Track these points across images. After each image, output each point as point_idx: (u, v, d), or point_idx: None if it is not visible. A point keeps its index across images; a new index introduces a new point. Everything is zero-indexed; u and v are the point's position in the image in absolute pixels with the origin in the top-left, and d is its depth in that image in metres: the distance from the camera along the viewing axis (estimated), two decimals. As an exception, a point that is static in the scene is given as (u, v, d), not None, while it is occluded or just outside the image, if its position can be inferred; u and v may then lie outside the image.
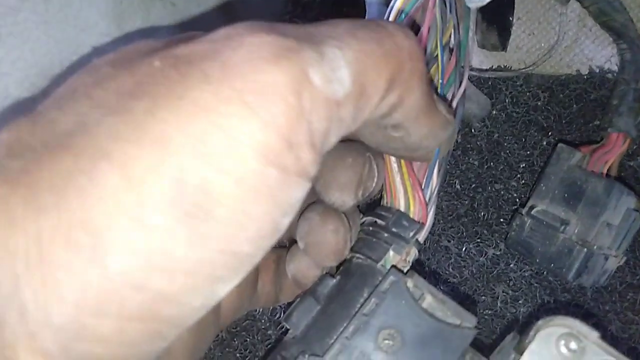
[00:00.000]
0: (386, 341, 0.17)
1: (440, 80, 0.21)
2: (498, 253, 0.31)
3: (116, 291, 0.11)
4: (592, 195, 0.24)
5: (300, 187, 0.12)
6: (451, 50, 0.24)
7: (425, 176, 0.21)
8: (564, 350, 0.18)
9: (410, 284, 0.19)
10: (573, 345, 0.18)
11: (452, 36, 0.23)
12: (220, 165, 0.11)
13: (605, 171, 0.25)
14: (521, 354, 0.18)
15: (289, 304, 0.21)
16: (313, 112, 0.12)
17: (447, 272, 0.31)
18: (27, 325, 0.10)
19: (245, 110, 0.11)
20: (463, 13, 0.24)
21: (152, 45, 0.13)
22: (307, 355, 0.18)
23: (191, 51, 0.12)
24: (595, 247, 0.24)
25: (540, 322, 0.18)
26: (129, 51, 0.13)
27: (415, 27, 0.22)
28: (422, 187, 0.21)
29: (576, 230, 0.24)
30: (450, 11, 0.23)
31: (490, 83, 0.33)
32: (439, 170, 0.22)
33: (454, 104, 0.22)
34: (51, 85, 0.15)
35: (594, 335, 0.18)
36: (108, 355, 0.11)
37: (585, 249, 0.23)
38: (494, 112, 0.32)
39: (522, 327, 0.19)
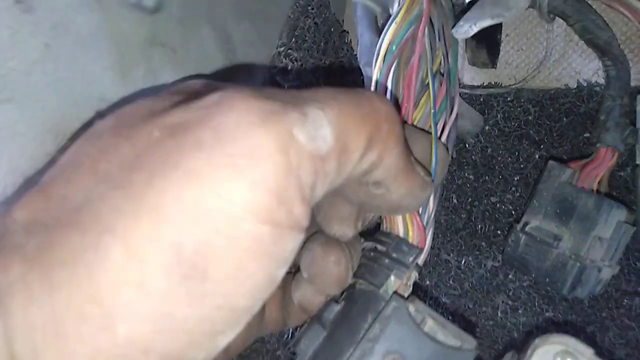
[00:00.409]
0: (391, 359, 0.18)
1: (432, 110, 0.22)
2: (496, 265, 0.32)
3: (125, 356, 0.12)
4: (583, 210, 0.25)
5: (294, 239, 0.13)
6: (442, 76, 0.25)
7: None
8: None
9: (412, 308, 0.20)
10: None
11: (442, 63, 0.24)
12: (214, 228, 0.12)
13: (595, 186, 0.26)
14: None
15: (297, 328, 0.22)
16: (300, 167, 0.12)
17: (447, 285, 0.32)
18: None
19: (236, 174, 0.12)
20: (451, 41, 0.24)
21: (151, 107, 0.14)
22: None
23: (186, 118, 0.13)
24: (588, 260, 0.24)
25: (537, 341, 0.19)
26: (129, 114, 0.14)
27: (406, 57, 0.23)
28: (420, 212, 0.22)
29: (569, 245, 0.25)
30: (439, 39, 0.24)
31: (482, 99, 0.33)
32: (434, 195, 0.23)
33: (447, 130, 0.23)
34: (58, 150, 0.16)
35: (590, 352, 0.19)
36: None
37: (579, 263, 0.24)
38: (487, 127, 0.33)
39: (521, 343, 0.20)
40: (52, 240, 0.12)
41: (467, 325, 0.28)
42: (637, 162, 0.26)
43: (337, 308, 0.21)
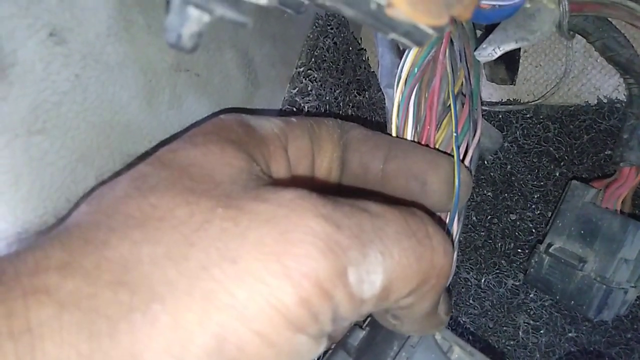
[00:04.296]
0: None
1: (455, 133, 0.22)
2: (517, 283, 0.31)
3: None
4: (608, 232, 0.25)
5: (318, 348, 0.14)
6: (464, 97, 0.25)
7: (447, 225, 0.22)
8: None
9: (438, 336, 0.19)
10: None
11: (464, 85, 0.24)
12: (258, 330, 0.12)
13: (619, 206, 0.26)
14: None
15: (323, 355, 0.22)
16: (340, 303, 0.13)
17: (467, 304, 0.32)
18: None
19: (288, 287, 0.12)
20: (473, 61, 0.24)
21: (216, 168, 0.14)
22: None
23: (254, 209, 0.13)
24: (614, 283, 0.24)
25: None
26: (190, 171, 0.14)
27: (427, 79, 0.23)
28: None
29: (594, 268, 0.24)
30: (461, 60, 0.24)
31: (500, 116, 0.33)
32: (459, 219, 0.22)
33: (470, 152, 0.23)
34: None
35: None
36: None
37: (605, 286, 0.24)
38: (506, 144, 0.33)
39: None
40: (93, 291, 0.12)
41: (487, 347, 0.28)
42: None
43: (362, 334, 0.21)
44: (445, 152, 0.22)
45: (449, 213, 0.22)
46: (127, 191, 0.14)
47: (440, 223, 0.22)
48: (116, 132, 0.18)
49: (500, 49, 0.23)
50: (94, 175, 0.17)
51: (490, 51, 0.23)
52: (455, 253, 0.22)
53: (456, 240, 0.22)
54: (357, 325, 0.22)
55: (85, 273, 0.12)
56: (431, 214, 0.21)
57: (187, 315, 0.11)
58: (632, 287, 0.25)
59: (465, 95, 0.24)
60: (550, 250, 0.26)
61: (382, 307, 0.15)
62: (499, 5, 0.18)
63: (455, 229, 0.22)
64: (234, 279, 0.12)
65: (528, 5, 0.21)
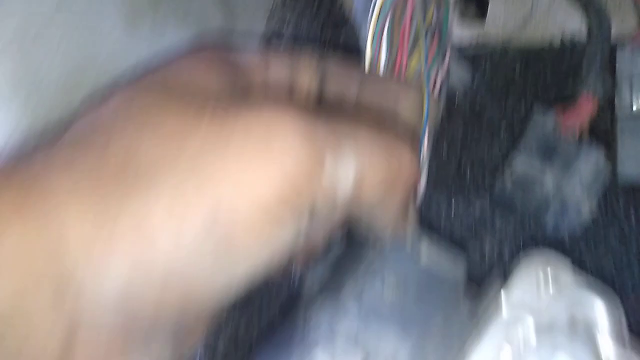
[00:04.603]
0: (389, 285, 0.21)
1: (424, 63, 0.24)
2: (485, 205, 0.34)
3: (152, 275, 0.14)
4: (564, 154, 0.27)
5: (299, 225, 0.16)
6: (434, 31, 0.26)
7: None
8: (541, 278, 0.22)
9: (409, 238, 0.22)
10: (550, 274, 0.21)
11: (435, 19, 0.26)
12: (249, 201, 0.14)
13: (577, 131, 0.28)
14: (506, 287, 0.21)
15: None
16: (319, 183, 0.15)
17: (439, 224, 0.35)
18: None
19: (276, 169, 0.15)
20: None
21: (209, 80, 0.16)
22: (325, 301, 0.21)
23: (241, 112, 0.16)
24: (568, 197, 0.27)
25: (522, 258, 0.22)
26: (188, 84, 0.17)
27: (399, 14, 0.25)
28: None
29: (552, 185, 0.27)
30: (431, -3, 0.26)
31: (471, 55, 0.35)
32: (428, 140, 0.25)
33: (439, 82, 0.25)
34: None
35: (567, 263, 0.22)
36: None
37: (561, 200, 0.27)
38: (476, 82, 0.35)
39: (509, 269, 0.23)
40: (100, 174, 0.14)
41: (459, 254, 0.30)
42: (616, 113, 0.29)
43: (340, 246, 0.23)
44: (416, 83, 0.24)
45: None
46: (125, 101, 0.16)
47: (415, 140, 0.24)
48: (102, 58, 0.19)
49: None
50: (83, 95, 0.19)
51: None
52: (425, 172, 0.25)
53: (426, 160, 0.25)
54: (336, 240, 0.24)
55: (91, 164, 0.14)
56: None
57: (189, 189, 0.14)
58: (587, 203, 0.28)
59: (436, 30, 0.26)
60: (513, 173, 0.28)
61: (357, 199, 0.17)
62: None
63: (425, 147, 0.24)
64: (227, 159, 0.14)
65: None
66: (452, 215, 0.34)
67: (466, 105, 0.35)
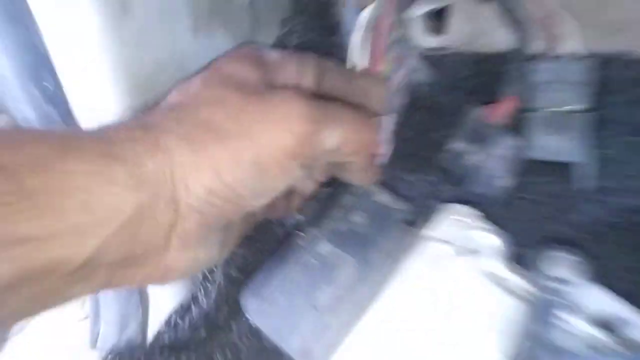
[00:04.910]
0: (355, 218, 0.31)
1: (390, 67, 0.34)
2: (436, 179, 0.44)
3: (221, 192, 0.24)
4: (486, 137, 0.38)
5: (299, 169, 0.26)
6: (401, 41, 0.36)
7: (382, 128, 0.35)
8: (457, 221, 0.32)
9: (371, 189, 0.32)
10: (459, 218, 0.32)
11: (400, 33, 0.36)
12: (275, 149, 0.25)
13: (500, 122, 0.39)
14: (430, 224, 0.32)
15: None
16: (316, 146, 0.26)
17: (402, 193, 0.45)
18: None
19: (289, 136, 0.25)
20: (408, 18, 0.36)
21: (250, 76, 0.26)
22: (312, 229, 0.32)
23: (269, 97, 0.26)
24: (489, 170, 0.38)
25: (442, 207, 0.32)
26: (242, 78, 0.26)
27: (378, 27, 0.35)
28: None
29: (478, 161, 0.38)
30: (400, 16, 0.36)
31: (433, 59, 0.45)
32: (392, 118, 0.35)
33: (402, 79, 0.35)
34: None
35: (476, 212, 0.32)
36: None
37: (479, 171, 0.37)
38: (435, 80, 0.45)
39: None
40: (196, 125, 0.24)
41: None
42: (528, 107, 0.39)
43: (326, 190, 0.34)
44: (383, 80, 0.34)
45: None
46: (200, 86, 0.26)
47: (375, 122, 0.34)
48: (176, 56, 0.29)
49: (423, 8, 0.34)
50: (166, 82, 0.29)
51: (416, 9, 0.35)
52: (388, 145, 0.35)
53: (388, 135, 0.35)
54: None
55: (187, 120, 0.24)
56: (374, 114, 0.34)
57: (242, 144, 0.24)
58: (506, 176, 0.39)
59: (401, 42, 0.36)
60: (452, 151, 0.39)
61: (337, 159, 0.28)
62: None
63: (388, 125, 0.34)
64: (264, 125, 0.24)
65: None
66: (410, 187, 0.45)
67: (427, 98, 0.45)
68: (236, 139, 0.24)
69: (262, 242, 0.42)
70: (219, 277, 0.40)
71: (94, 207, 0.20)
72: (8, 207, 0.18)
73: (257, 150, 0.24)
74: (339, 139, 0.27)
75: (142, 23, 0.27)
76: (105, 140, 0.22)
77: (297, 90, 0.28)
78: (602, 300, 0.31)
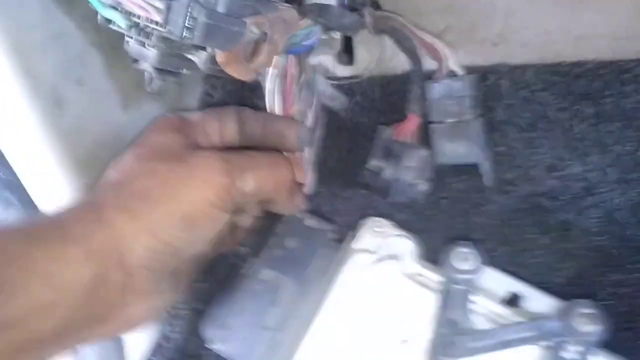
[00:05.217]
0: (287, 243, 0.36)
1: (303, 106, 0.39)
2: (365, 192, 0.50)
3: (157, 249, 0.29)
4: (398, 152, 0.43)
5: (225, 217, 0.31)
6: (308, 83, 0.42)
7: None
8: (376, 232, 0.38)
9: (298, 214, 0.38)
10: (378, 229, 0.38)
11: (305, 77, 0.41)
12: (200, 207, 0.29)
13: (408, 138, 0.45)
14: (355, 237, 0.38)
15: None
16: (235, 194, 0.31)
17: (337, 208, 0.50)
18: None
19: (210, 190, 0.30)
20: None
21: (170, 144, 0.31)
22: (252, 258, 0.37)
23: (190, 159, 0.31)
24: (402, 180, 0.43)
25: (362, 221, 0.38)
26: (161, 147, 0.31)
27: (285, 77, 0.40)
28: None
29: (391, 173, 0.43)
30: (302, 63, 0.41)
31: (347, 86, 0.51)
32: (312, 151, 0.40)
33: (312, 116, 0.41)
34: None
35: (388, 223, 0.38)
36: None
37: (398, 183, 0.43)
38: (352, 105, 0.51)
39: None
40: (131, 196, 0.29)
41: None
42: (430, 120, 0.45)
43: (261, 222, 0.39)
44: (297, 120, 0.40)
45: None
46: (132, 162, 0.31)
47: (297, 158, 0.40)
48: (112, 130, 0.34)
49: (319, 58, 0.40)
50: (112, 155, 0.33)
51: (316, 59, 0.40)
52: (311, 174, 0.41)
53: (309, 166, 0.40)
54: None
55: (123, 191, 0.29)
56: (292, 153, 0.39)
57: (170, 206, 0.29)
58: (421, 183, 0.45)
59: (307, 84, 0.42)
60: (369, 167, 0.45)
61: (260, 198, 0.33)
62: (303, 45, 0.35)
63: (307, 158, 0.40)
64: (187, 189, 0.29)
65: (324, 37, 0.38)
66: (344, 201, 0.50)
67: (345, 120, 0.51)
68: (165, 202, 0.28)
69: (219, 273, 0.47)
70: (186, 312, 0.44)
71: (55, 285, 0.25)
72: None
73: (184, 208, 0.29)
74: (256, 183, 0.32)
75: (76, 112, 0.31)
76: (58, 224, 0.27)
77: (213, 149, 0.33)
78: (503, 281, 0.37)
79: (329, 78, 0.51)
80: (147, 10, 0.24)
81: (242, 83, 0.43)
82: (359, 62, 0.52)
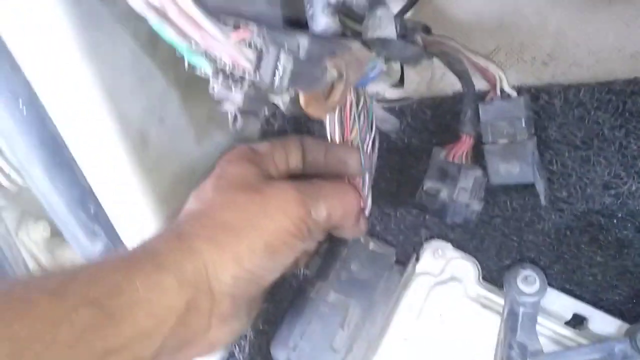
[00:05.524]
0: (353, 267, 0.38)
1: (359, 134, 0.41)
2: (417, 212, 0.51)
3: (242, 276, 0.31)
4: (453, 174, 0.44)
5: (302, 244, 0.33)
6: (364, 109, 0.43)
7: (362, 181, 0.41)
8: (438, 254, 0.39)
9: (362, 239, 0.39)
10: (440, 252, 0.39)
11: (365, 107, 0.43)
12: (280, 237, 0.31)
13: (462, 159, 0.46)
14: (418, 261, 0.39)
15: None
16: (310, 223, 0.32)
17: (389, 228, 0.52)
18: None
19: (289, 221, 0.32)
20: (366, 94, 0.43)
21: (247, 175, 0.33)
22: (319, 282, 0.38)
23: (267, 190, 0.33)
24: (457, 201, 0.44)
25: (425, 245, 0.39)
26: (241, 179, 0.33)
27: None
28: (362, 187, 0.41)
29: (447, 195, 0.44)
30: (361, 91, 0.43)
31: (397, 108, 0.52)
32: (370, 177, 0.42)
33: (370, 143, 0.42)
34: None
35: (450, 245, 0.39)
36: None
37: (453, 203, 0.44)
38: (403, 126, 0.52)
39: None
40: (214, 231, 0.30)
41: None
42: (483, 141, 0.46)
43: (325, 245, 0.40)
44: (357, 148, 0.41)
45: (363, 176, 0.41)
46: (212, 193, 0.33)
47: (357, 182, 0.41)
48: (188, 164, 0.36)
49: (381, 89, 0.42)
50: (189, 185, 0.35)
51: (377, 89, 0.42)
52: (370, 197, 0.42)
53: (369, 189, 0.42)
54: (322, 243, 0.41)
55: (208, 222, 0.31)
56: (353, 178, 0.40)
57: (254, 237, 0.30)
58: (473, 203, 0.46)
59: (364, 111, 0.43)
60: (424, 188, 0.46)
61: (330, 225, 0.35)
62: (369, 77, 0.37)
63: (367, 183, 0.41)
64: (266, 217, 0.31)
65: (384, 68, 0.40)
66: (399, 221, 0.51)
67: (398, 141, 0.52)
68: (248, 232, 0.30)
69: (281, 295, 0.48)
70: (249, 332, 0.46)
71: (155, 312, 0.27)
72: (100, 329, 0.24)
73: (266, 237, 0.31)
74: (327, 211, 0.33)
75: (158, 148, 0.33)
76: (152, 254, 0.29)
77: (284, 179, 0.35)
78: (565, 302, 0.37)
79: (379, 100, 0.53)
80: (236, 59, 0.26)
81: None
82: (408, 84, 0.53)
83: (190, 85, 0.35)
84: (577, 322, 0.39)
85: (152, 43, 0.31)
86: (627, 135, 0.45)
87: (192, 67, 0.29)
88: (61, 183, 0.31)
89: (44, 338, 0.22)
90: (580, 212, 0.47)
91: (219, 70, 0.28)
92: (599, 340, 0.35)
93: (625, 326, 0.38)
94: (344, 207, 0.35)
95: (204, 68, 0.28)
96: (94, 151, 0.31)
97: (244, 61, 0.26)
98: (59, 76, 0.27)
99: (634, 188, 0.45)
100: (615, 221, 0.46)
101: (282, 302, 0.47)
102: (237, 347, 0.44)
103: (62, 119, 0.29)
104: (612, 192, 0.45)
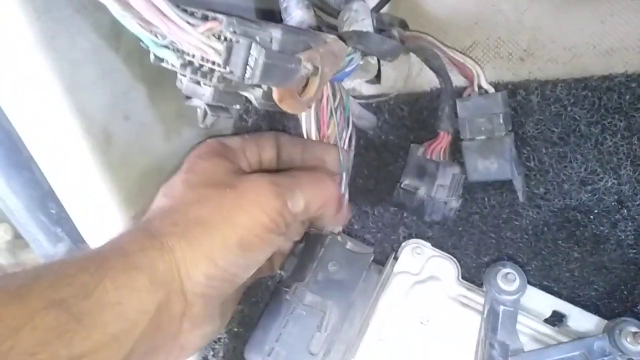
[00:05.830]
0: (330, 267, 0.37)
1: (337, 131, 0.40)
2: (395, 209, 0.50)
3: (214, 275, 0.29)
4: (430, 171, 0.44)
5: (278, 239, 0.31)
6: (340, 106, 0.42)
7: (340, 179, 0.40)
8: (416, 255, 0.38)
9: (339, 238, 0.38)
10: (419, 251, 0.38)
11: (341, 102, 0.42)
12: (255, 230, 0.30)
13: (440, 156, 0.45)
14: (396, 259, 0.38)
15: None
16: (286, 215, 0.31)
17: (367, 226, 0.51)
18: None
19: (264, 214, 0.30)
20: (342, 89, 0.42)
21: (218, 171, 0.31)
22: (295, 283, 0.37)
23: (239, 184, 0.31)
24: (435, 199, 0.44)
25: (403, 243, 0.38)
26: (212, 173, 0.31)
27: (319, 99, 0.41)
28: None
29: (425, 192, 0.44)
30: (337, 87, 0.42)
31: (374, 105, 0.52)
32: (347, 175, 0.41)
33: (347, 139, 0.41)
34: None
35: (428, 244, 0.38)
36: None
37: (431, 201, 0.44)
38: (380, 123, 0.51)
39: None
40: (188, 223, 0.29)
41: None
42: (461, 138, 0.46)
43: (301, 245, 0.39)
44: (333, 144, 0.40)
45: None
46: (181, 188, 0.31)
47: (335, 179, 0.40)
48: (155, 161, 0.34)
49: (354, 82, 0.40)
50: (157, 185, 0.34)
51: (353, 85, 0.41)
52: (346, 195, 0.41)
53: (346, 188, 0.41)
54: (299, 242, 0.40)
55: (177, 218, 0.29)
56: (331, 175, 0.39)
57: (226, 232, 0.29)
58: (452, 201, 0.45)
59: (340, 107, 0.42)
60: (402, 185, 0.45)
61: (308, 217, 0.33)
62: (345, 72, 0.36)
63: (344, 181, 0.40)
64: (240, 212, 0.29)
65: (361, 62, 0.39)
66: (377, 219, 0.51)
67: (375, 138, 0.51)
68: (221, 228, 0.29)
69: (256, 296, 0.47)
70: (223, 335, 0.45)
71: (125, 314, 0.25)
72: (66, 334, 0.22)
73: (240, 233, 0.29)
74: (304, 201, 0.32)
75: (123, 146, 0.32)
76: (122, 252, 0.27)
77: (261, 173, 0.34)
78: (545, 300, 0.37)
79: (356, 97, 0.52)
80: (204, 51, 0.24)
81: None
82: (385, 80, 0.52)
83: (157, 79, 0.33)
84: (556, 318, 0.38)
85: (115, 35, 0.29)
86: (603, 131, 0.45)
87: (158, 60, 0.28)
88: (19, 184, 0.29)
89: (1, 346, 0.21)
90: (557, 208, 0.47)
91: (186, 63, 0.26)
92: (578, 336, 0.35)
93: (603, 322, 0.37)
94: (323, 196, 0.33)
95: (171, 61, 0.27)
96: (53, 150, 0.29)
97: (212, 53, 0.24)
98: (13, 70, 0.25)
99: (609, 184, 0.45)
100: (591, 217, 0.46)
101: (257, 303, 0.46)
102: (211, 350, 0.42)
103: (18, 116, 0.28)
104: (589, 188, 0.45)
